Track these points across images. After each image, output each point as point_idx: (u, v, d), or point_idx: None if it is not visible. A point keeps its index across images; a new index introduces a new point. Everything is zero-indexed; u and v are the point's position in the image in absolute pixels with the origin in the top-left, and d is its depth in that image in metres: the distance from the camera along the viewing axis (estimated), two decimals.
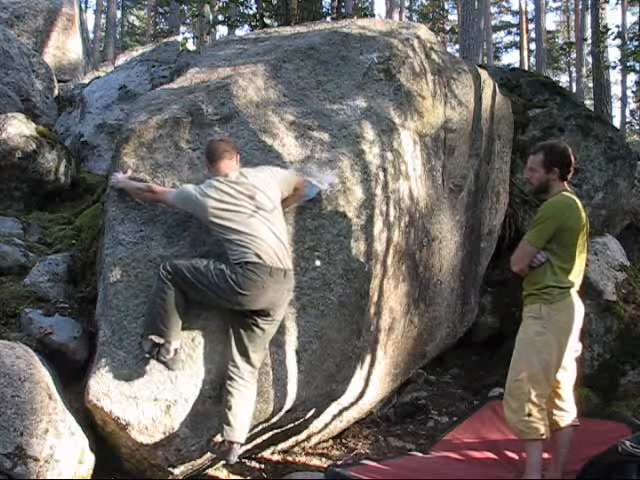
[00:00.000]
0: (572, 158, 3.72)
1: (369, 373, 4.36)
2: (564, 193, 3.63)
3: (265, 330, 3.47)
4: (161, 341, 3.29)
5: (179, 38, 13.16)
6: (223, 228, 3.39)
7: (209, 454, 3.49)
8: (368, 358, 4.30)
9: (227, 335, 3.51)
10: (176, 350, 3.34)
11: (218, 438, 3.38)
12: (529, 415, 3.44)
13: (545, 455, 3.57)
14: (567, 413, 3.65)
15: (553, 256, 3.53)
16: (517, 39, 31.63)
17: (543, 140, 5.80)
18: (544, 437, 3.47)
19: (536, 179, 3.69)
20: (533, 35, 28.96)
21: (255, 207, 3.45)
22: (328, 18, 10.58)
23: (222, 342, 3.54)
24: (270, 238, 3.42)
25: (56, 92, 9.08)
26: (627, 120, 25.87)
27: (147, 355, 3.33)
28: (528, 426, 3.46)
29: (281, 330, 3.73)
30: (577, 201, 3.66)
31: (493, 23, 32.24)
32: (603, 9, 12.54)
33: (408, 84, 4.78)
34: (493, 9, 32.57)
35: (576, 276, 3.61)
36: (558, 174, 3.63)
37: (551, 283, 3.52)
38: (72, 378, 3.64)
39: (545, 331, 3.48)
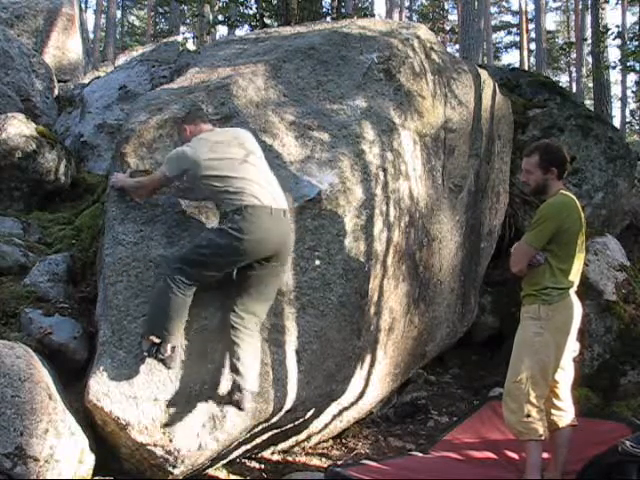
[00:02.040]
0: (567, 156, 3.73)
1: (369, 373, 4.36)
2: (562, 193, 3.62)
3: (270, 277, 3.43)
4: (159, 341, 3.30)
5: (179, 38, 13.16)
6: (218, 179, 3.37)
7: (209, 454, 3.49)
8: (368, 358, 4.30)
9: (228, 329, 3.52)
10: (174, 348, 3.32)
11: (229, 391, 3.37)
12: (528, 416, 3.44)
13: (545, 455, 3.57)
14: (565, 413, 3.65)
15: (552, 257, 3.52)
16: (517, 39, 31.62)
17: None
18: (543, 438, 3.47)
19: (533, 180, 3.66)
20: (533, 35, 28.96)
21: (246, 152, 3.49)
22: (328, 18, 10.58)
23: (222, 342, 3.54)
24: (264, 181, 3.44)
25: (56, 92, 9.06)
26: (627, 120, 25.88)
27: (145, 354, 3.32)
28: (527, 427, 3.45)
29: (281, 330, 3.73)
30: (575, 200, 3.65)
31: (493, 23, 32.24)
32: (603, 9, 12.54)
33: (408, 84, 4.79)
34: (493, 9, 32.57)
35: (575, 276, 3.61)
36: (556, 174, 3.62)
37: (550, 284, 3.51)
38: (72, 378, 3.64)
39: (543, 332, 3.47)
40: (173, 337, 3.30)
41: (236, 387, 3.33)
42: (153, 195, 3.70)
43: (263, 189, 3.39)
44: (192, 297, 3.35)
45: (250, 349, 3.37)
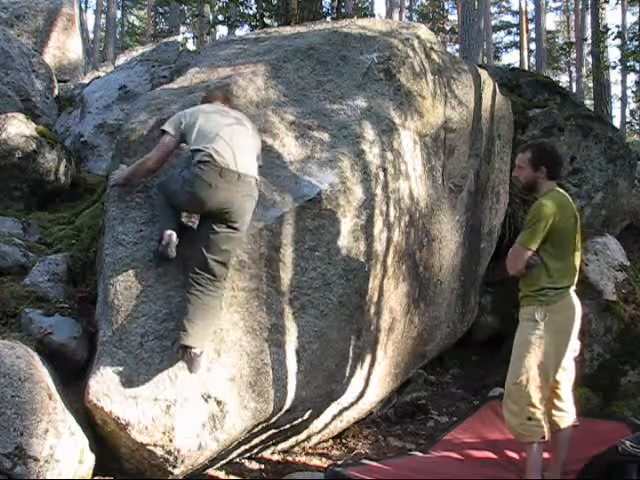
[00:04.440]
0: (561, 157, 3.74)
1: (369, 373, 4.36)
2: (554, 191, 3.62)
3: (223, 238, 3.48)
4: (168, 233, 3.48)
5: (179, 38, 13.13)
6: (201, 133, 3.53)
7: (209, 454, 3.49)
8: (368, 358, 4.30)
9: (227, 332, 3.51)
10: (170, 235, 3.47)
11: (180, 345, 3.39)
12: (529, 419, 3.42)
13: (545, 455, 3.57)
14: (566, 413, 3.64)
15: (548, 257, 3.51)
16: (517, 39, 31.60)
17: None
18: (545, 439, 3.47)
19: (523, 177, 3.68)
20: (533, 35, 28.94)
21: (236, 122, 3.67)
22: (328, 18, 10.57)
23: (223, 341, 3.54)
24: (235, 144, 3.53)
25: (56, 92, 9.06)
26: (627, 120, 25.86)
27: (159, 248, 3.51)
28: (529, 429, 3.44)
29: (281, 330, 3.73)
30: (568, 198, 3.65)
31: (493, 23, 32.21)
32: (603, 9, 12.53)
33: (408, 84, 4.79)
34: (493, 9, 32.54)
35: (572, 275, 3.59)
36: (546, 173, 3.61)
37: (547, 285, 3.50)
38: (72, 378, 3.63)
39: (542, 333, 3.45)
40: (169, 227, 3.51)
41: (180, 345, 3.36)
42: (161, 164, 3.69)
43: (226, 147, 3.50)
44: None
45: (200, 306, 3.41)
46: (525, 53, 28.03)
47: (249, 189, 3.55)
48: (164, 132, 3.63)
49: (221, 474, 3.93)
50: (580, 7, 25.97)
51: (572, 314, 3.55)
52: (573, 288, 3.60)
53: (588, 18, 21.07)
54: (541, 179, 3.63)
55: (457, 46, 27.30)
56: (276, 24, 10.04)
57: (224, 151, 3.48)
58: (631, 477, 3.35)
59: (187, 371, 3.42)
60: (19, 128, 5.94)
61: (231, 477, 3.94)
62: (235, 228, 3.51)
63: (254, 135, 3.78)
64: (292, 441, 4.35)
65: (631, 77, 22.42)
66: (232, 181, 3.46)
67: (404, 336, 4.65)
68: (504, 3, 35.00)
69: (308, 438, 4.47)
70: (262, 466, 4.13)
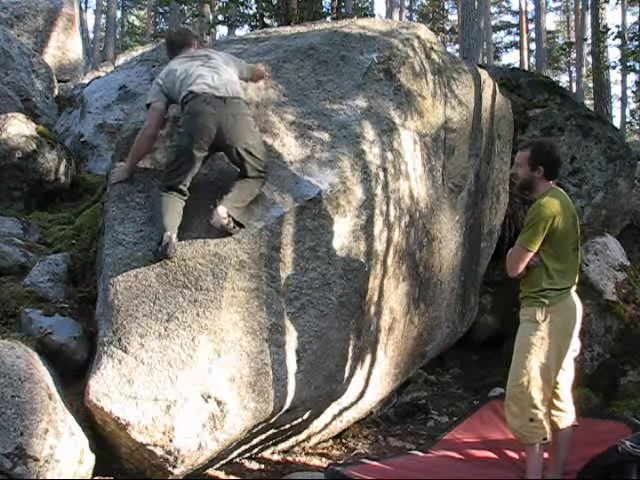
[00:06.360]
0: (559, 157, 3.74)
1: (369, 373, 4.36)
2: (554, 191, 3.61)
3: (244, 167, 3.71)
4: (167, 234, 3.54)
5: None
6: (184, 84, 3.75)
7: (209, 454, 3.49)
8: (368, 358, 4.30)
9: (228, 332, 3.52)
10: (169, 236, 3.54)
11: None
12: (531, 420, 3.42)
13: (545, 455, 3.57)
14: (566, 414, 3.64)
15: (548, 257, 3.50)
16: (517, 39, 31.64)
17: None
18: (546, 441, 3.46)
19: (521, 175, 3.68)
20: (533, 35, 28.95)
21: (207, 59, 3.90)
22: (328, 18, 10.57)
23: (223, 341, 3.54)
24: (211, 75, 3.75)
25: (56, 92, 9.07)
26: (627, 120, 25.89)
27: (158, 249, 3.54)
28: (531, 430, 3.44)
29: (281, 330, 3.73)
30: (567, 197, 3.65)
31: (493, 23, 32.22)
32: (603, 9, 12.55)
33: (408, 84, 4.79)
34: (493, 9, 32.56)
35: (573, 275, 3.59)
36: (543, 172, 3.61)
37: (547, 286, 3.49)
38: (72, 378, 3.63)
39: (543, 334, 3.45)
40: (168, 228, 3.56)
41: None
42: (157, 128, 3.81)
43: (203, 80, 3.72)
44: (178, 198, 3.65)
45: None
46: (525, 53, 28.07)
47: (237, 109, 3.74)
48: (148, 106, 3.83)
49: (221, 474, 3.93)
50: (580, 7, 25.95)
51: (573, 315, 3.55)
52: (574, 288, 3.60)
53: (588, 18, 21.05)
54: (537, 179, 3.62)
55: (457, 46, 27.33)
56: (276, 24, 10.03)
57: (205, 83, 3.70)
58: (631, 477, 3.36)
59: (187, 371, 3.42)
60: (19, 128, 5.94)
61: (231, 477, 3.94)
62: (244, 151, 3.67)
63: (227, 61, 3.99)
64: (292, 441, 4.35)
65: (631, 77, 22.46)
66: (218, 105, 3.66)
67: (404, 336, 4.65)
68: (504, 3, 35.07)
69: (308, 438, 4.47)
70: (262, 466, 4.13)
